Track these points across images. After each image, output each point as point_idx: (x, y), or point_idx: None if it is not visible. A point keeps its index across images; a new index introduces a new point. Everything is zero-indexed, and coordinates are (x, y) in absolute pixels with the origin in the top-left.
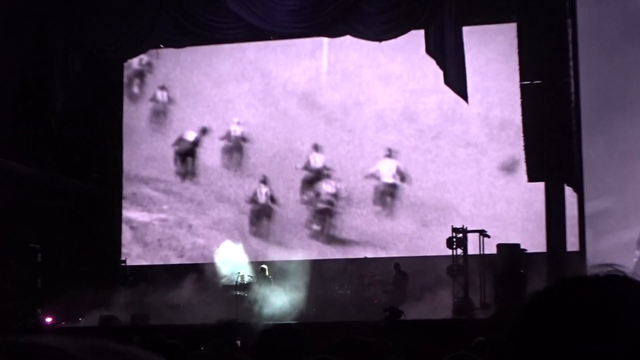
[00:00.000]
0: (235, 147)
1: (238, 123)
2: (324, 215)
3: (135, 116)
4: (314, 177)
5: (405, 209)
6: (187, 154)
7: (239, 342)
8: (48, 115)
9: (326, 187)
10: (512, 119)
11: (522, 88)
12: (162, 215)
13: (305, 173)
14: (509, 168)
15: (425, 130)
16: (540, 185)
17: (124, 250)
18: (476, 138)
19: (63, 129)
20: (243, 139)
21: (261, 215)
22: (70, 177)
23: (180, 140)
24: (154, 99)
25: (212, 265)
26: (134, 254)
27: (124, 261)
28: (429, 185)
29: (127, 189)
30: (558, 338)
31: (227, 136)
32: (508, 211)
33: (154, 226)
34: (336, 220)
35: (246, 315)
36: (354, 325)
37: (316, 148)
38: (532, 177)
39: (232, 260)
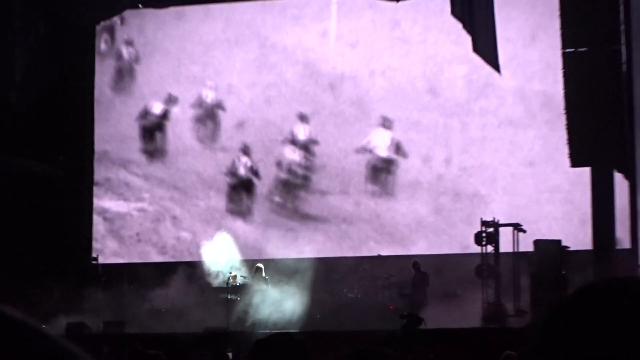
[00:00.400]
0: (209, 116)
1: (210, 87)
2: (295, 191)
3: (108, 89)
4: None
5: (423, 197)
6: (155, 128)
7: (230, 354)
8: (6, 87)
9: (295, 157)
10: (552, 94)
11: (565, 57)
12: (142, 205)
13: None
14: (548, 151)
15: (450, 106)
16: (586, 172)
17: (96, 245)
18: (510, 115)
19: (23, 103)
20: (218, 106)
21: (240, 190)
22: (32, 159)
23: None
24: (122, 63)
25: (199, 263)
26: (108, 250)
27: (96, 258)
28: (454, 170)
29: (100, 173)
30: (583, 354)
31: (199, 103)
32: (547, 202)
33: (131, 217)
34: (322, 202)
35: (239, 323)
36: (365, 334)
37: (302, 118)
38: (575, 162)
39: (223, 258)
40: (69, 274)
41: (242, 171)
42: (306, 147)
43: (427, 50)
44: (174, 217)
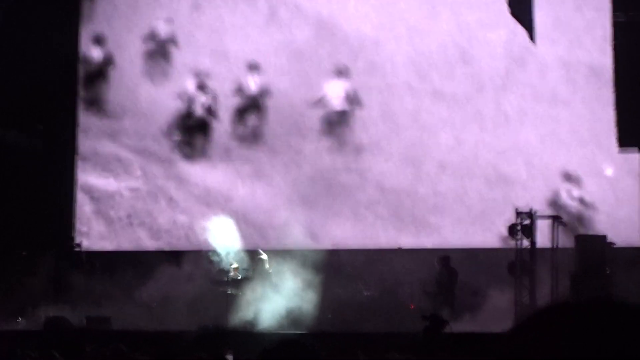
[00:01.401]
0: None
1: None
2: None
3: (95, 49)
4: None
5: (450, 180)
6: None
7: (230, 357)
8: None
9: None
10: (601, 66)
11: (616, 25)
12: (134, 183)
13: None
14: (594, 131)
15: (484, 77)
16: (636, 156)
17: (80, 228)
18: (551, 90)
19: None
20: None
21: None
22: (6, 128)
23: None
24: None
25: (197, 252)
26: (94, 234)
27: (79, 244)
28: (485, 151)
29: (85, 145)
30: None
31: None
32: (591, 190)
33: (122, 197)
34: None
35: (240, 321)
36: (383, 337)
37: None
38: (624, 143)
39: (224, 246)
40: (48, 261)
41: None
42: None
43: (458, 12)
44: (170, 199)
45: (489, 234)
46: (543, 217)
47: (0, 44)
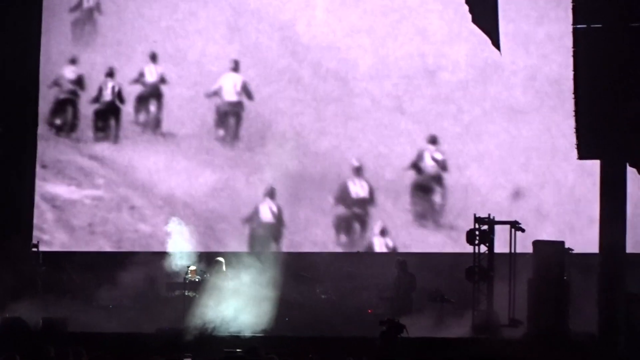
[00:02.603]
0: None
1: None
2: None
3: (60, 37)
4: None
5: (410, 187)
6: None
7: None
8: None
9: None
10: (560, 75)
11: (576, 34)
12: (96, 192)
13: None
14: (553, 140)
15: (446, 88)
16: (595, 165)
17: (43, 236)
18: (512, 99)
19: None
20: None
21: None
22: None
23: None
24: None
25: (155, 254)
26: (57, 242)
27: (36, 245)
28: (450, 162)
29: (45, 149)
30: None
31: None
32: (550, 198)
33: (84, 206)
34: None
35: (197, 324)
36: (340, 341)
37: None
38: (583, 154)
39: (178, 248)
40: (5, 262)
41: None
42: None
43: (422, 23)
44: (132, 207)
45: (447, 239)
46: (501, 222)
47: None
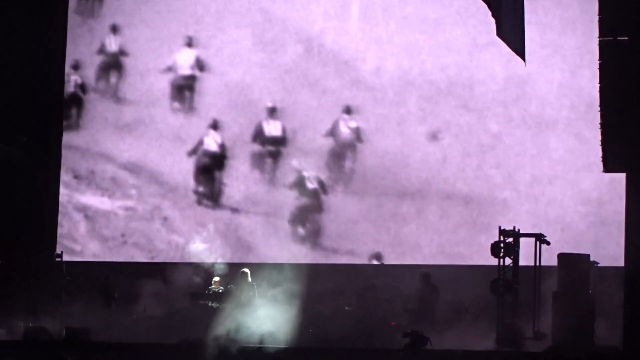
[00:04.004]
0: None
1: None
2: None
3: (85, 51)
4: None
5: (435, 200)
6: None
7: None
8: None
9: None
10: (586, 88)
11: (602, 46)
12: (128, 203)
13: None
14: (579, 154)
15: (469, 99)
16: (621, 179)
17: (76, 247)
18: (537, 112)
19: None
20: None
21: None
22: None
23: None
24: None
25: (179, 265)
26: (89, 253)
27: (60, 255)
28: (471, 173)
29: (68, 159)
30: None
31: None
32: (575, 211)
33: (116, 217)
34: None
35: (219, 335)
36: (364, 353)
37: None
38: (609, 167)
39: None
40: (29, 272)
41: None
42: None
43: (446, 35)
44: (165, 219)
45: (472, 251)
46: (526, 235)
47: None
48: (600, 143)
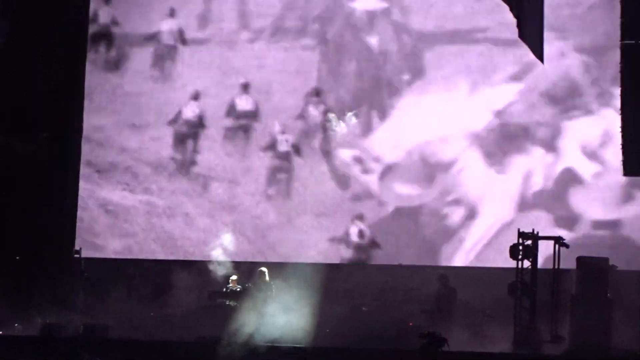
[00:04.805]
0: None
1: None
2: None
3: (103, 57)
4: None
5: (450, 200)
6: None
7: None
8: None
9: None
10: (607, 90)
11: (624, 49)
12: (148, 197)
13: None
14: (597, 156)
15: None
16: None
17: (97, 241)
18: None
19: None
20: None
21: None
22: (9, 135)
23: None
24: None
25: (197, 263)
26: (110, 248)
27: (78, 251)
28: (488, 174)
29: (88, 152)
30: None
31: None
32: (594, 214)
33: (137, 211)
34: None
35: (236, 333)
36: (381, 354)
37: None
38: (629, 170)
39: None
40: (48, 267)
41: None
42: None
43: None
44: (186, 214)
45: (490, 253)
46: (545, 238)
47: (6, 51)
48: (621, 146)
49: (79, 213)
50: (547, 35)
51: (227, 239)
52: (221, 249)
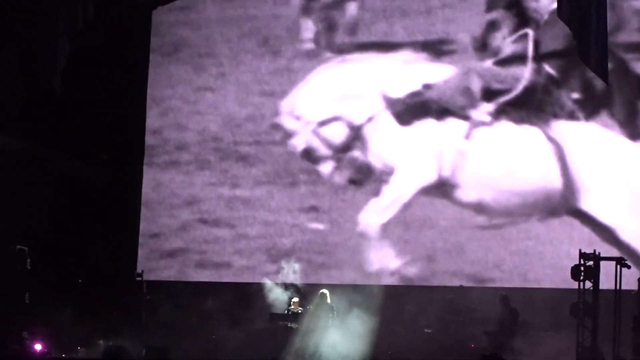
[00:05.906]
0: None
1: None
2: None
3: (166, 77)
4: None
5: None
6: None
7: None
8: (48, 74)
9: None
10: None
11: None
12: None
13: None
14: None
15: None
16: None
17: (159, 263)
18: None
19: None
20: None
21: None
22: (72, 157)
23: None
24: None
25: (259, 285)
26: (160, 267)
27: (140, 274)
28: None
29: (150, 175)
30: None
31: None
32: None
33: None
34: None
35: (297, 355)
36: None
37: None
38: None
39: (285, 279)
40: (110, 290)
41: None
42: None
43: None
44: (232, 227)
45: (551, 273)
46: (607, 258)
47: (68, 73)
48: None
49: (140, 239)
50: None
51: (291, 261)
52: (285, 271)
